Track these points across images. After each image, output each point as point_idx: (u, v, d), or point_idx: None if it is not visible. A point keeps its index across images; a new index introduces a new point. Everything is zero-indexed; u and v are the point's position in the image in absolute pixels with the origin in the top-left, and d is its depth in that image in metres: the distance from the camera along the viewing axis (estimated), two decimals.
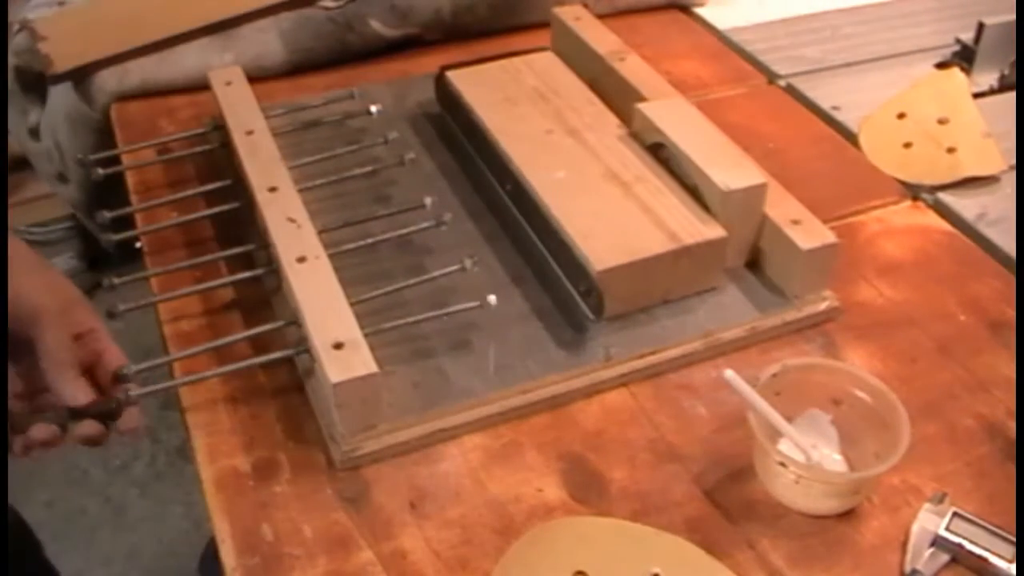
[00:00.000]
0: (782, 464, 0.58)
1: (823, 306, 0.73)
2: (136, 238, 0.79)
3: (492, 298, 0.68)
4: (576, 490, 0.61)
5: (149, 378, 0.64)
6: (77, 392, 0.60)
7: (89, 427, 0.60)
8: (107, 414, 0.60)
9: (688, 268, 0.71)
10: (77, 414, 0.59)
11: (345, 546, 0.58)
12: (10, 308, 0.60)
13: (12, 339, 0.61)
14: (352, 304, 0.64)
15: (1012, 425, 0.65)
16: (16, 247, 0.63)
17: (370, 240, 0.74)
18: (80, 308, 0.63)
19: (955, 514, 0.58)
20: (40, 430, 0.59)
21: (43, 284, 0.62)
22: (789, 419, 0.60)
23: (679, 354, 0.69)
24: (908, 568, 0.56)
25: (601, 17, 0.97)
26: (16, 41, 1.00)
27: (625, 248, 0.70)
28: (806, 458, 0.60)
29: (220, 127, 0.85)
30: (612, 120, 0.84)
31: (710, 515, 0.60)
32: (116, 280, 0.71)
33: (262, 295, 0.74)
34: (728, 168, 0.73)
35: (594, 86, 0.89)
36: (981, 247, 0.81)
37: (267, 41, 1.00)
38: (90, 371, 0.62)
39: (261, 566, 0.56)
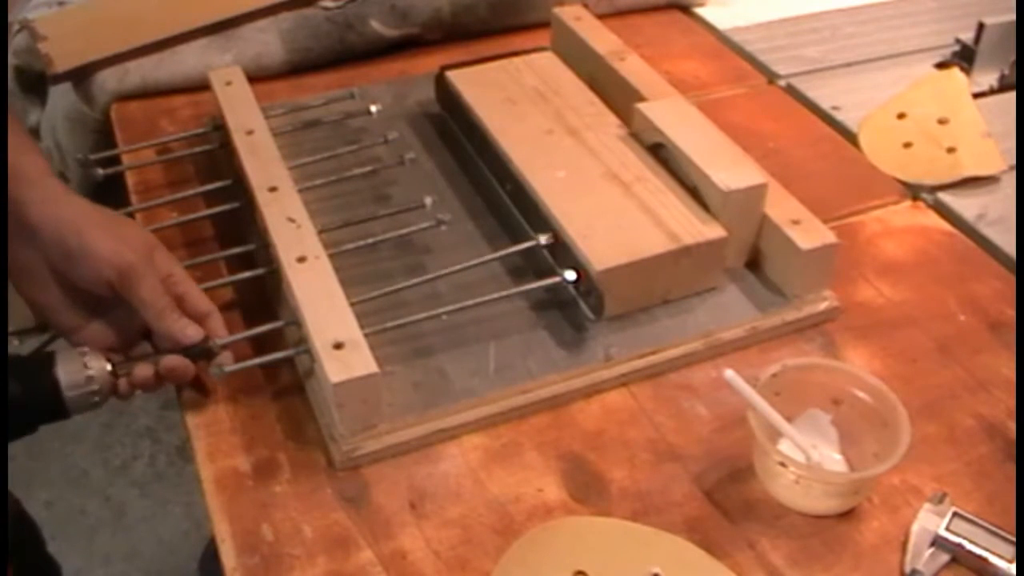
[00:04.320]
0: (782, 464, 0.58)
1: (823, 306, 0.73)
2: None
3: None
4: (576, 490, 0.61)
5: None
6: (188, 330, 0.62)
7: (178, 361, 0.62)
8: (204, 354, 0.64)
9: (688, 268, 0.71)
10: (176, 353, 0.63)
11: (345, 546, 0.58)
12: (93, 271, 0.61)
13: (94, 297, 0.63)
14: (352, 304, 0.64)
15: (1012, 425, 0.65)
16: (83, 208, 0.63)
17: (370, 240, 0.74)
18: (159, 253, 0.64)
19: (955, 514, 0.58)
20: (142, 369, 0.62)
21: (120, 240, 0.62)
22: (789, 419, 0.60)
23: (679, 354, 0.69)
24: (908, 568, 0.56)
25: (601, 17, 0.97)
26: (16, 41, 1.00)
27: (625, 248, 0.70)
28: (806, 458, 0.60)
29: (220, 127, 0.85)
30: (612, 120, 0.84)
31: (710, 515, 0.60)
32: None
33: (262, 295, 0.74)
34: (728, 168, 0.73)
35: (594, 86, 0.89)
36: (981, 247, 0.81)
37: (267, 41, 1.00)
38: None
39: (261, 566, 0.56)
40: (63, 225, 0.61)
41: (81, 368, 0.60)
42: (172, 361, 0.62)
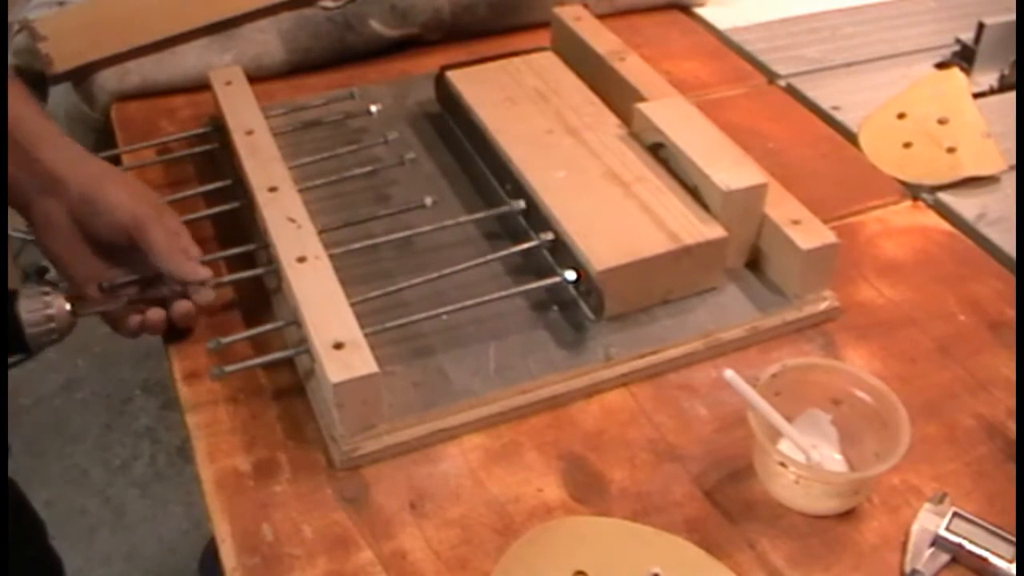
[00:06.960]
0: (782, 464, 0.58)
1: (823, 306, 0.73)
2: None
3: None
4: (576, 490, 0.61)
5: (150, 379, 0.65)
6: (198, 270, 0.68)
7: (190, 307, 0.68)
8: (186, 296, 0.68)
9: (688, 268, 0.71)
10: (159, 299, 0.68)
11: (345, 546, 0.58)
12: (111, 218, 0.67)
13: (108, 249, 0.69)
14: (352, 304, 0.64)
15: (1012, 425, 0.65)
16: (105, 165, 0.70)
17: (370, 240, 0.74)
18: (167, 212, 0.70)
19: (955, 514, 0.58)
20: (155, 312, 0.68)
21: (136, 194, 0.68)
22: (789, 419, 0.61)
23: (679, 354, 0.69)
24: (908, 568, 0.56)
25: (601, 17, 0.97)
26: (16, 41, 1.00)
27: (625, 248, 0.70)
28: (806, 458, 0.60)
29: (220, 127, 0.85)
30: (612, 120, 0.84)
31: (710, 515, 0.60)
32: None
33: (262, 295, 0.74)
34: (728, 168, 0.73)
35: (594, 86, 0.89)
36: (981, 247, 0.81)
37: (267, 41, 1.00)
38: None
39: (261, 566, 0.56)
40: (87, 179, 0.67)
41: (41, 306, 0.64)
42: (184, 307, 0.68)
